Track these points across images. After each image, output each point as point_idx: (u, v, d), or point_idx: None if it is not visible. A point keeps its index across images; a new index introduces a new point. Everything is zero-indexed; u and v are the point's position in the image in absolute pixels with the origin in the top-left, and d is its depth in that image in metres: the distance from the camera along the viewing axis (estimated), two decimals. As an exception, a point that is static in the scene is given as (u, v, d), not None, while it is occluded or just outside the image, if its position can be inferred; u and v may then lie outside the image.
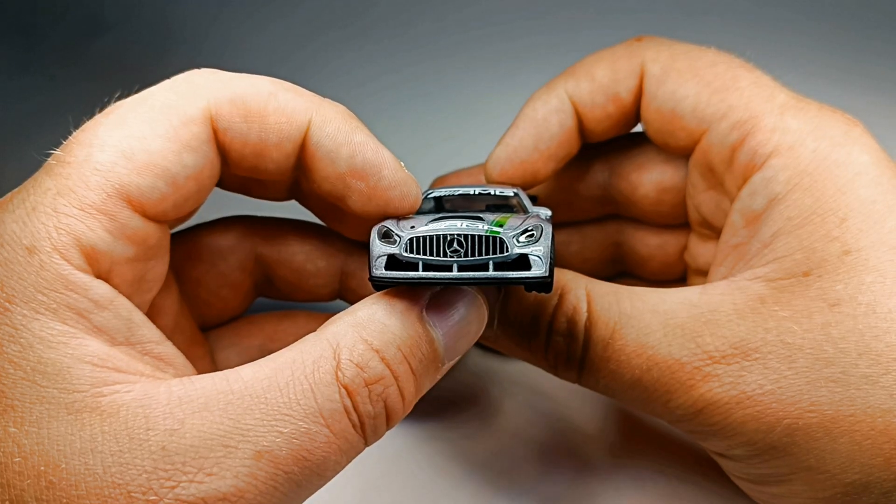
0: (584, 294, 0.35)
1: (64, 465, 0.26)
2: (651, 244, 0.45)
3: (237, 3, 0.76)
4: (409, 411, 0.31)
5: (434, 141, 0.61)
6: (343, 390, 0.28)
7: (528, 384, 0.48)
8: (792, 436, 0.31)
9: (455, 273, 0.29)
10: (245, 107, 0.32)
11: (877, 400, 0.30)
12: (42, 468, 0.26)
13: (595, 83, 0.40)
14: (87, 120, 0.31)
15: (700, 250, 0.42)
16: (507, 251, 0.29)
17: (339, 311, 0.31)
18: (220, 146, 0.32)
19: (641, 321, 0.34)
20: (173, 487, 0.26)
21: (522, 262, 0.29)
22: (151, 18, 0.76)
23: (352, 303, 0.39)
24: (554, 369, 0.37)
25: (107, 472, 0.26)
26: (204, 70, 0.33)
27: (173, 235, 0.36)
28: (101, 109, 0.32)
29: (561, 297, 0.36)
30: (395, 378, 0.30)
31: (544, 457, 0.45)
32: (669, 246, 0.44)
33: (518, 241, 0.29)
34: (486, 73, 0.70)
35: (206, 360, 0.40)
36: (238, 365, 0.39)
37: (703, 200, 0.40)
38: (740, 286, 0.33)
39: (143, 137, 0.30)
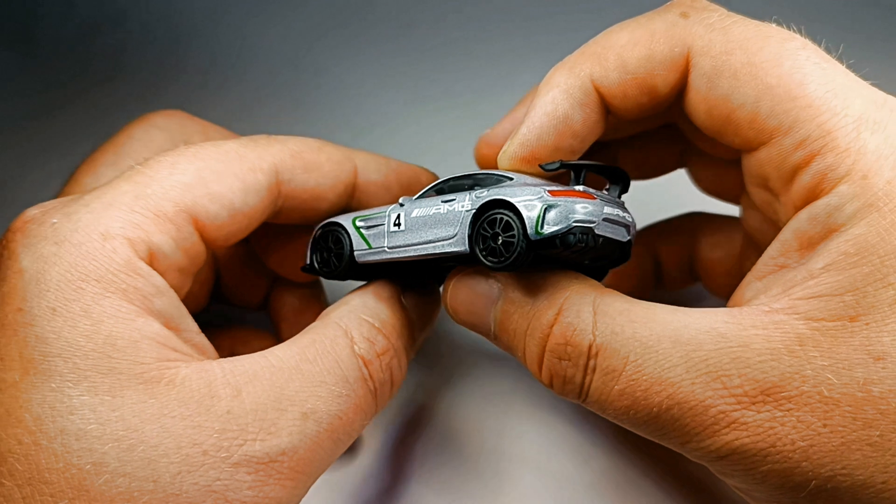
0: (591, 312, 0.32)
1: (142, 429, 0.28)
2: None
3: (239, 4, 0.77)
4: (403, 380, 0.37)
5: (437, 141, 0.62)
6: (360, 361, 0.34)
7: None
8: (818, 495, 0.29)
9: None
10: (303, 159, 0.39)
11: None
12: (121, 433, 0.28)
13: (627, 73, 0.34)
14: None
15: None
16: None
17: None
18: (283, 195, 0.38)
19: (660, 352, 0.30)
20: (241, 445, 0.30)
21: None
22: (151, 18, 0.77)
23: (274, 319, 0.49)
24: (551, 388, 0.34)
25: (183, 434, 0.29)
26: (265, 135, 0.39)
27: None
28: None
29: (558, 312, 0.32)
30: (395, 350, 0.36)
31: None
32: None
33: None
34: (487, 72, 0.69)
35: None
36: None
37: (754, 192, 0.35)
38: (777, 321, 0.30)
39: (219, 173, 0.35)
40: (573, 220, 0.31)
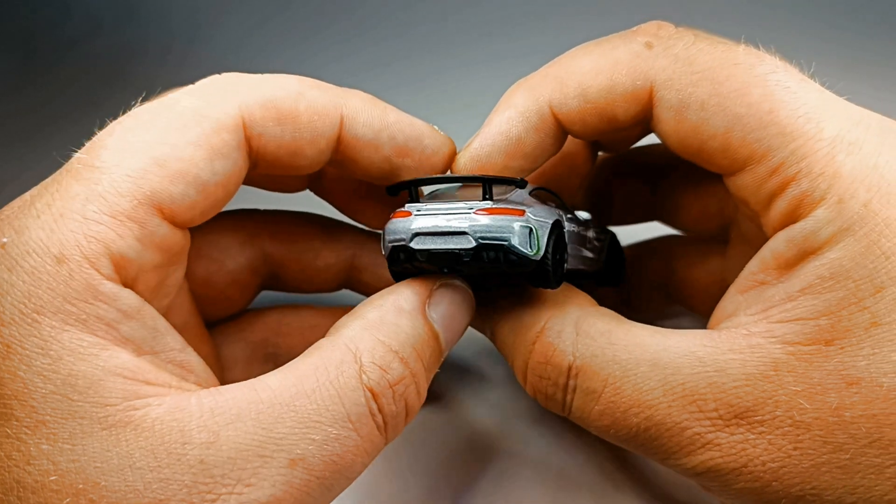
0: (573, 332, 0.33)
1: (103, 483, 0.26)
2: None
3: (237, 4, 0.76)
4: (421, 406, 0.32)
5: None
6: (368, 393, 0.29)
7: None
8: None
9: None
10: (276, 109, 0.32)
11: (881, 490, 0.28)
12: (80, 486, 0.26)
13: (587, 103, 0.33)
14: (111, 121, 0.31)
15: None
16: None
17: (344, 302, 0.33)
18: (254, 150, 0.33)
19: (639, 375, 0.31)
20: (214, 500, 0.26)
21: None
22: (151, 19, 0.76)
23: (362, 293, 0.43)
24: (537, 401, 0.35)
25: (147, 489, 0.26)
26: (229, 74, 0.33)
27: None
28: (125, 112, 0.31)
29: (541, 331, 0.33)
30: (414, 376, 0.31)
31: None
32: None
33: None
34: (488, 71, 0.68)
35: (211, 357, 0.40)
36: (243, 360, 0.42)
37: (738, 212, 0.36)
38: (753, 345, 0.30)
39: (175, 144, 0.30)
40: (388, 240, 0.33)
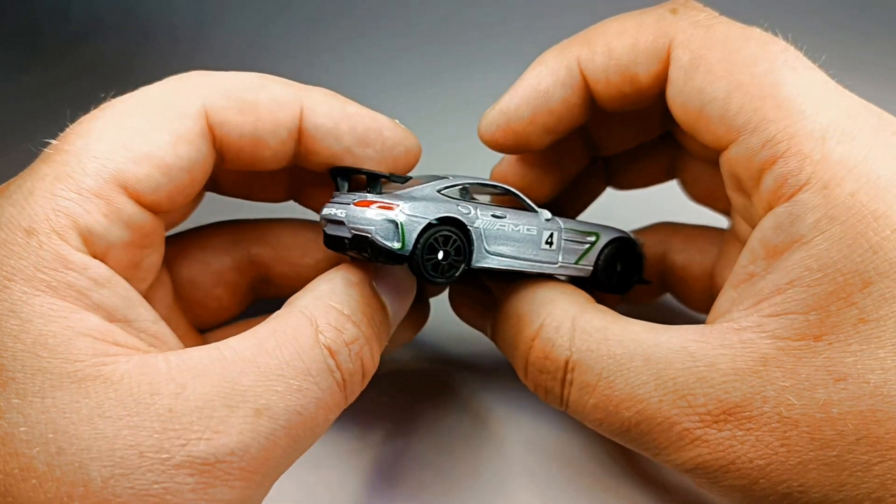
0: (570, 328, 0.33)
1: (73, 431, 0.26)
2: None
3: (236, 5, 0.77)
4: (375, 370, 0.34)
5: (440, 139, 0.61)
6: (326, 351, 0.31)
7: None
8: None
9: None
10: (238, 99, 0.34)
11: (868, 488, 0.28)
12: (50, 435, 0.26)
13: (612, 59, 0.35)
14: (83, 115, 0.33)
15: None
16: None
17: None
18: (218, 140, 0.34)
19: (632, 370, 0.31)
20: (184, 445, 0.27)
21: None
22: (150, 19, 0.77)
23: None
24: (537, 395, 0.35)
25: (118, 435, 0.26)
26: (195, 72, 0.35)
27: (168, 238, 0.37)
28: (97, 106, 0.33)
29: (540, 327, 0.34)
30: (366, 339, 0.33)
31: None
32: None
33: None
34: (488, 71, 0.69)
35: None
36: None
37: (731, 195, 0.36)
38: (744, 340, 0.30)
39: (140, 129, 0.31)
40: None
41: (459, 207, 0.34)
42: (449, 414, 0.46)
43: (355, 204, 0.34)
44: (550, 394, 0.34)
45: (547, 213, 0.38)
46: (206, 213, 0.41)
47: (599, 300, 0.37)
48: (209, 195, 0.41)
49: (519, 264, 0.36)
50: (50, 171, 0.30)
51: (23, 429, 0.26)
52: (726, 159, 0.33)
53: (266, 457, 0.29)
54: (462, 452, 0.44)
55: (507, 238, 0.36)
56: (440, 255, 0.33)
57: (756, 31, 0.33)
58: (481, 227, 0.35)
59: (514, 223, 0.36)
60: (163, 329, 0.32)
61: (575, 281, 0.39)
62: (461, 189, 0.36)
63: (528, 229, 0.36)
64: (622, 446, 0.34)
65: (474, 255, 0.34)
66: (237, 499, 0.28)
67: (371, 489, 0.42)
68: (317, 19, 0.78)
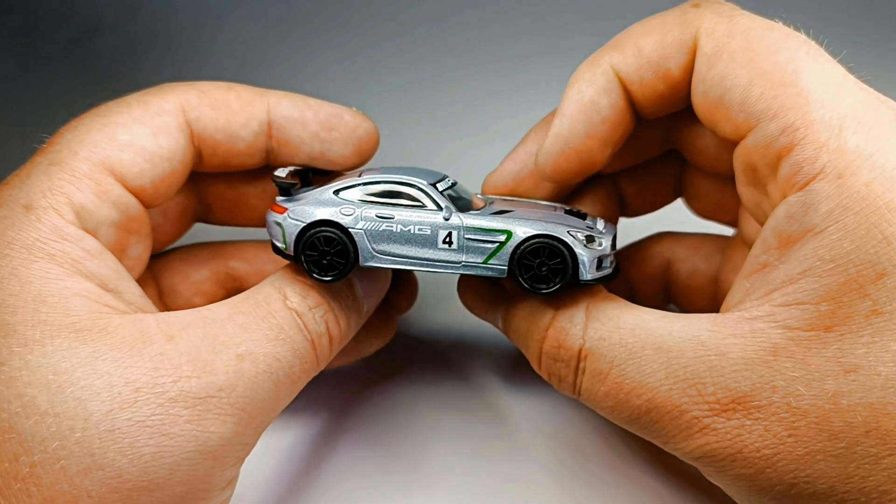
0: (583, 317, 0.34)
1: (72, 372, 0.29)
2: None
3: (235, 6, 0.77)
4: (345, 341, 0.37)
5: (440, 140, 0.60)
6: (293, 313, 0.34)
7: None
8: (782, 500, 0.30)
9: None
10: (210, 97, 0.38)
11: (875, 481, 0.28)
12: (51, 377, 0.28)
13: (643, 58, 0.35)
14: (73, 119, 0.36)
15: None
16: None
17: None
18: (195, 136, 0.38)
19: (643, 358, 0.32)
20: (176, 381, 0.30)
21: None
22: (150, 20, 0.77)
23: None
24: (551, 383, 0.36)
25: (114, 373, 0.29)
26: (170, 83, 0.39)
27: (154, 256, 0.42)
28: (91, 109, 0.37)
29: (554, 317, 0.34)
30: (329, 306, 0.36)
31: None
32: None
33: None
34: (488, 73, 0.68)
35: None
36: None
37: (743, 192, 0.36)
38: (755, 329, 0.30)
39: (123, 123, 0.36)
40: None
41: (341, 210, 0.35)
42: (460, 403, 0.47)
43: (270, 208, 0.37)
44: (564, 382, 0.35)
45: (448, 213, 0.36)
46: (193, 241, 0.45)
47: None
48: (198, 226, 0.45)
49: (413, 263, 0.36)
50: (44, 159, 0.34)
51: (24, 372, 0.28)
52: (743, 149, 0.33)
53: (251, 396, 0.32)
54: (476, 442, 0.44)
55: (394, 238, 0.35)
56: (319, 255, 0.35)
57: (778, 24, 0.33)
58: (363, 228, 0.35)
59: (403, 224, 0.35)
60: (148, 304, 0.35)
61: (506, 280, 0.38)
62: (454, 184, 0.37)
63: (419, 229, 0.35)
64: (634, 435, 0.34)
65: (361, 255, 0.35)
66: (229, 433, 0.31)
67: (386, 478, 0.43)
68: (317, 19, 0.76)
